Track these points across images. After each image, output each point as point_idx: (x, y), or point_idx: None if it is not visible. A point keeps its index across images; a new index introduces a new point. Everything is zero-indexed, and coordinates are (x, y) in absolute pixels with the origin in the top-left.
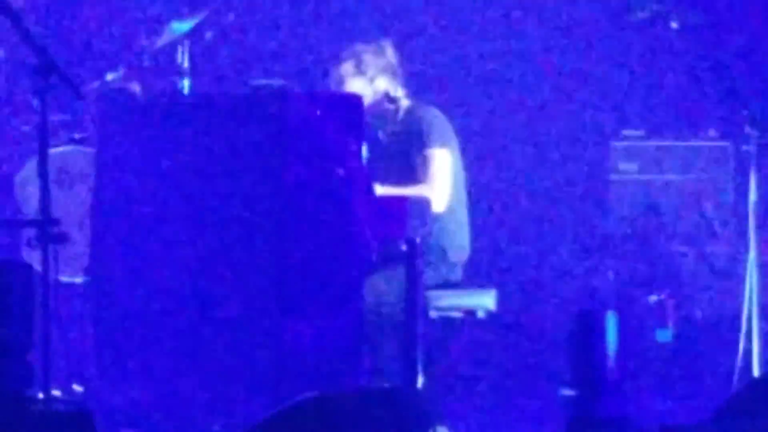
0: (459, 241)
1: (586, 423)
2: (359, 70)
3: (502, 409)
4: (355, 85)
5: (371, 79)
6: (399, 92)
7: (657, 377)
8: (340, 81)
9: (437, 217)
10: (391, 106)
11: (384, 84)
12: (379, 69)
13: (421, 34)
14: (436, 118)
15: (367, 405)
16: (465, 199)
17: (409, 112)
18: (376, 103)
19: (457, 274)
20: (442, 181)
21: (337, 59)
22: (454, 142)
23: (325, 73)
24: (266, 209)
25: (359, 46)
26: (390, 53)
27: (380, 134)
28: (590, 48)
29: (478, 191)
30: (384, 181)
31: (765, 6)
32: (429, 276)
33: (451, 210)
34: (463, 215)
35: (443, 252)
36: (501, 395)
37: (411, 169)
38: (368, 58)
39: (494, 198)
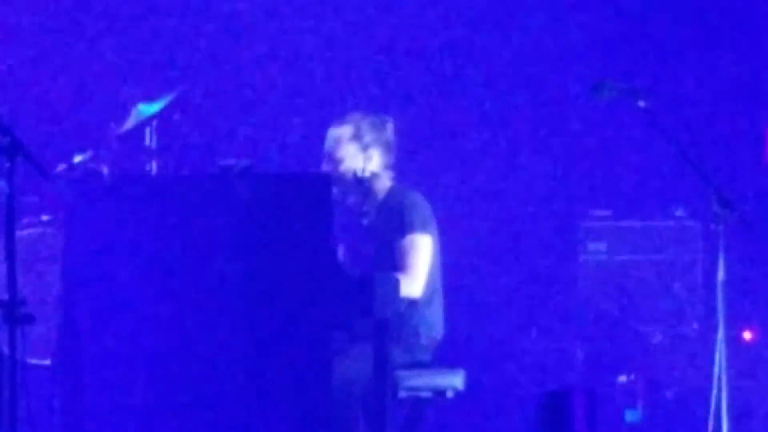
0: (432, 325)
1: None
2: (356, 136)
3: None
4: (349, 149)
5: (365, 147)
6: (372, 166)
7: None
8: (337, 141)
9: (412, 300)
10: (359, 187)
11: (376, 155)
12: (375, 140)
13: (392, 98)
14: (417, 203)
15: None
16: (440, 283)
17: (392, 194)
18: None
19: (428, 355)
20: (419, 269)
21: (338, 121)
22: (434, 226)
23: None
24: (234, 289)
25: (362, 115)
26: (389, 130)
27: (364, 221)
28: (557, 127)
29: (446, 271)
30: (372, 264)
31: (731, 84)
32: (399, 356)
33: (427, 294)
34: (438, 299)
35: (416, 334)
36: None
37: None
38: (367, 127)
39: (462, 277)
